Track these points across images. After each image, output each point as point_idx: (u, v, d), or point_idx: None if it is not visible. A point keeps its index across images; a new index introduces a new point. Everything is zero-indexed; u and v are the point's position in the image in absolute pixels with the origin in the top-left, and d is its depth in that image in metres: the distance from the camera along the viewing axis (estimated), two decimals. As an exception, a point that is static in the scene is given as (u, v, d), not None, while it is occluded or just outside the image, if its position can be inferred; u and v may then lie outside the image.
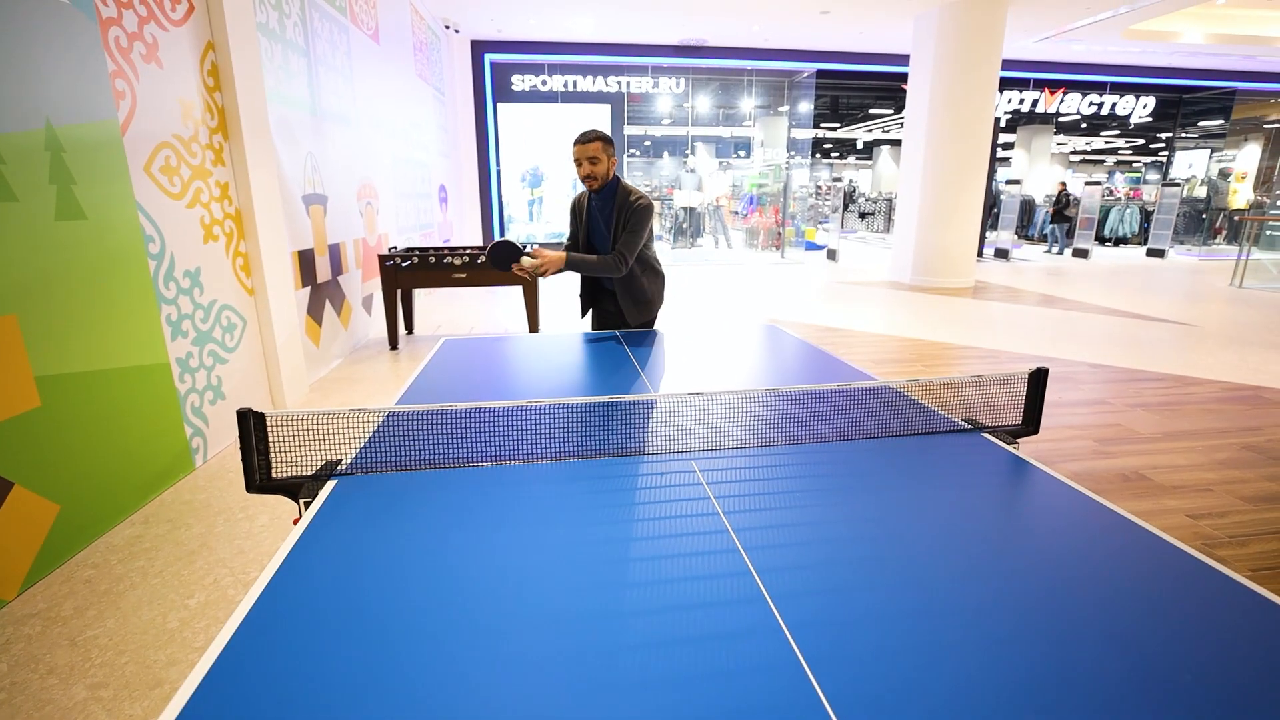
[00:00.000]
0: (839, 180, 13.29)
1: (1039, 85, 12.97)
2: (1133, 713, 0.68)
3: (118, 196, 2.55)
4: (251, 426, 1.19)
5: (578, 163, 2.43)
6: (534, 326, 5.11)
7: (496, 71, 10.47)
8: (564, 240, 2.73)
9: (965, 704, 0.69)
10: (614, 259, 2.46)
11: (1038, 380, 1.47)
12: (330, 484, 1.20)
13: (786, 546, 1.00)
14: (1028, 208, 15.15)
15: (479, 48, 10.19)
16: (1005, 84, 12.44)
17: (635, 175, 15.12)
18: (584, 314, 2.83)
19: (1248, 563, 2.24)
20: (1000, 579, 0.92)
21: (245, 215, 3.44)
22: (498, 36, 10.10)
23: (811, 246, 13.23)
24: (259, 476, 1.21)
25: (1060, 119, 14.61)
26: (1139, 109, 14.11)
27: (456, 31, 9.55)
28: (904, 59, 9.48)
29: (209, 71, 3.20)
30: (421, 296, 7.23)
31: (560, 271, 2.47)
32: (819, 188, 15.88)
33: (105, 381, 2.44)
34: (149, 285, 2.71)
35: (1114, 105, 13.81)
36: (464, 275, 4.95)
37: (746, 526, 1.06)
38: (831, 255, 11.57)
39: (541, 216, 10.91)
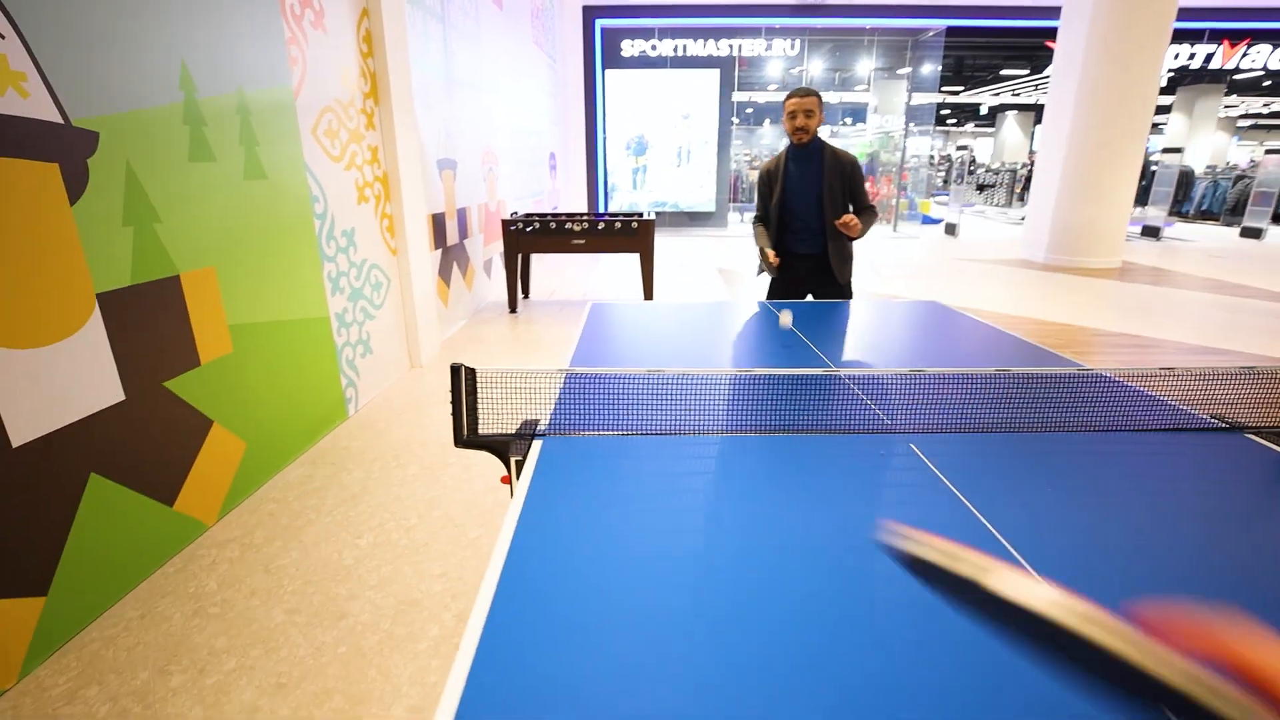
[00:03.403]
0: (965, 148, 12.28)
1: (1216, 37, 11.29)
2: None
3: (291, 158, 2.71)
4: (463, 381, 1.21)
5: (791, 115, 2.51)
6: (649, 294, 5.08)
7: (606, 37, 10.36)
8: (755, 212, 2.83)
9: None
10: (872, 214, 2.60)
11: (1323, 376, 1.24)
12: (536, 444, 1.20)
13: (1047, 534, 0.89)
14: (1186, 180, 13.40)
15: (591, 13, 10.11)
16: (1175, 36, 10.93)
17: (736, 144, 14.68)
18: (775, 273, 2.73)
19: None
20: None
21: (391, 178, 3.58)
22: (610, 0, 9.97)
23: (927, 220, 12.38)
24: (467, 432, 1.23)
25: (1236, 77, 12.71)
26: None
27: (569, -4, 9.51)
28: (1050, 12, 8.51)
29: (364, 38, 3.32)
30: (534, 262, 7.39)
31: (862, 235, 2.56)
32: (933, 158, 14.75)
33: (281, 332, 2.63)
34: (314, 243, 2.88)
35: (1310, 59, 11.82)
36: (583, 241, 4.98)
37: (995, 511, 0.95)
38: (950, 230, 10.77)
39: (645, 185, 10.82)
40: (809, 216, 2.62)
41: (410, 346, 3.87)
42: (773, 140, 15.80)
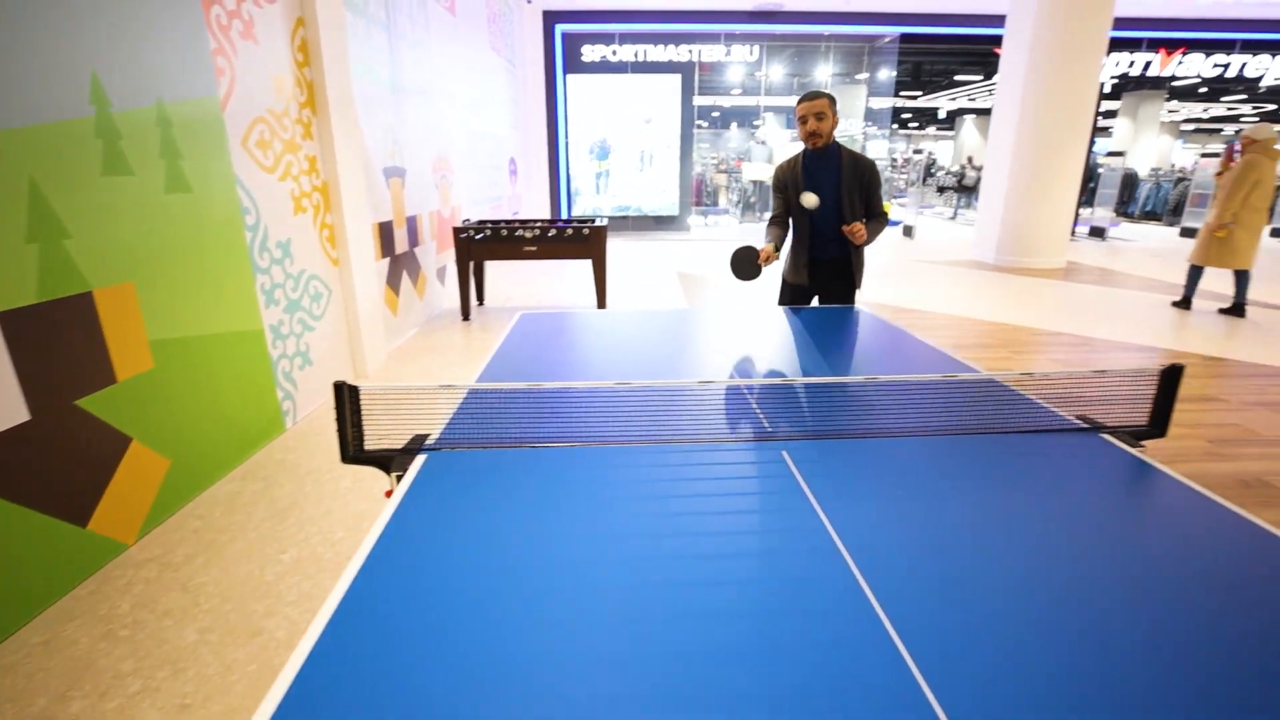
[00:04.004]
0: (919, 152, 12.57)
1: (1154, 46, 11.75)
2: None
3: (219, 170, 2.68)
4: (346, 399, 1.22)
5: (803, 120, 2.47)
6: (602, 301, 5.11)
7: (567, 42, 10.39)
8: (767, 225, 2.74)
9: (1087, 710, 0.63)
10: (883, 220, 2.57)
11: (1170, 378, 1.33)
12: (420, 458, 1.22)
13: (891, 545, 0.94)
14: (1130, 182, 13.90)
15: (550, 18, 10.12)
16: (1114, 45, 11.34)
17: (702, 146, 14.81)
18: (802, 283, 2.73)
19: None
20: (1131, 591, 0.83)
21: (331, 188, 3.56)
22: (569, 6, 10.00)
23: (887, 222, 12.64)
24: (352, 448, 1.25)
25: (1175, 83, 13.24)
26: (1276, 69, 12.57)
27: (529, 1, 9.51)
28: (999, 19, 8.77)
29: (299, 47, 3.29)
30: (490, 269, 7.37)
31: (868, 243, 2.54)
32: (895, 160, 15.08)
33: (208, 346, 2.60)
34: (245, 255, 2.85)
35: (1243, 66, 12.37)
36: (535, 248, 4.99)
37: (845, 522, 1.00)
38: (908, 232, 11.02)
39: (608, 189, 10.85)
40: (828, 222, 2.58)
41: (355, 357, 3.84)
42: (740, 143, 15.97)
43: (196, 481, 2.52)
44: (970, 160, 15.64)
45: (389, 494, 1.23)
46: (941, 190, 17.61)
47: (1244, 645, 0.75)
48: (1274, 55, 12.32)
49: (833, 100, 2.49)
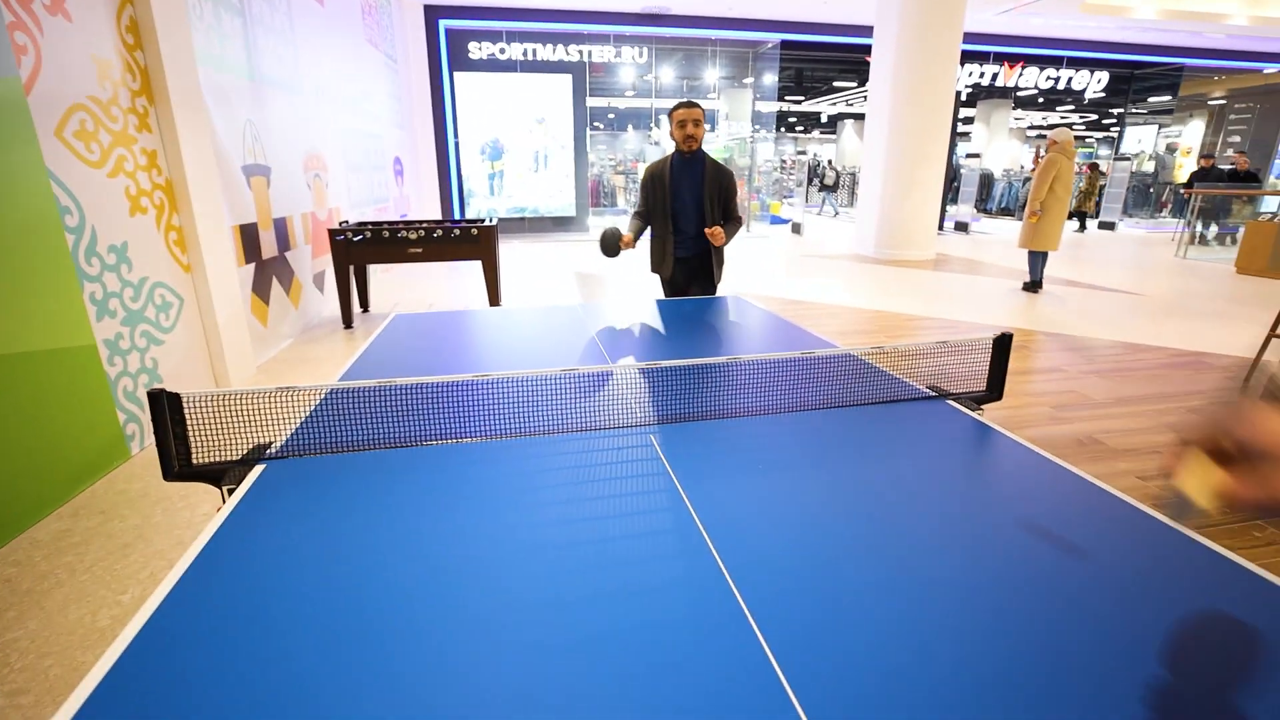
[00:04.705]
0: (803, 154, 13.27)
1: (999, 59, 13.09)
2: (1098, 664, 0.65)
3: (24, 163, 2.33)
4: (166, 409, 1.08)
5: (682, 124, 2.68)
6: (495, 301, 4.97)
7: (452, 38, 10.04)
8: (630, 216, 2.95)
9: (934, 672, 0.65)
10: (738, 224, 2.82)
11: (1001, 346, 1.44)
12: (257, 469, 1.10)
13: (749, 521, 0.95)
14: (987, 181, 15.40)
15: (432, 13, 9.74)
16: (966, 57, 12.51)
17: (600, 148, 14.84)
18: (666, 277, 2.94)
19: (1195, 521, 2.30)
20: (968, 546, 0.88)
21: (177, 186, 3.21)
22: (452, 0, 9.68)
23: (776, 220, 13.23)
24: (177, 463, 1.11)
25: (1019, 93, 14.82)
26: (1093, 84, 14.38)
27: (408, -5, 9.10)
28: (868, 30, 9.42)
29: (127, 28, 2.94)
30: (379, 274, 6.97)
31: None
32: (784, 162, 15.82)
33: (22, 365, 2.25)
34: (68, 260, 2.50)
35: (1070, 80, 14.05)
36: (420, 250, 4.76)
37: (707, 502, 1.00)
38: (796, 229, 11.58)
39: (503, 190, 10.60)
40: (690, 222, 2.81)
41: (216, 372, 3.48)
42: (637, 145, 16.15)
43: (13, 522, 2.17)
44: (829, 162, 17.45)
45: (219, 510, 1.10)
46: (825, 188, 18.73)
47: (1060, 572, 0.82)
48: (1092, 71, 14.10)
49: (704, 110, 2.74)
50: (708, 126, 15.13)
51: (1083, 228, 12.26)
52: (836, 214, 16.02)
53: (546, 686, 0.65)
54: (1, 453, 2.15)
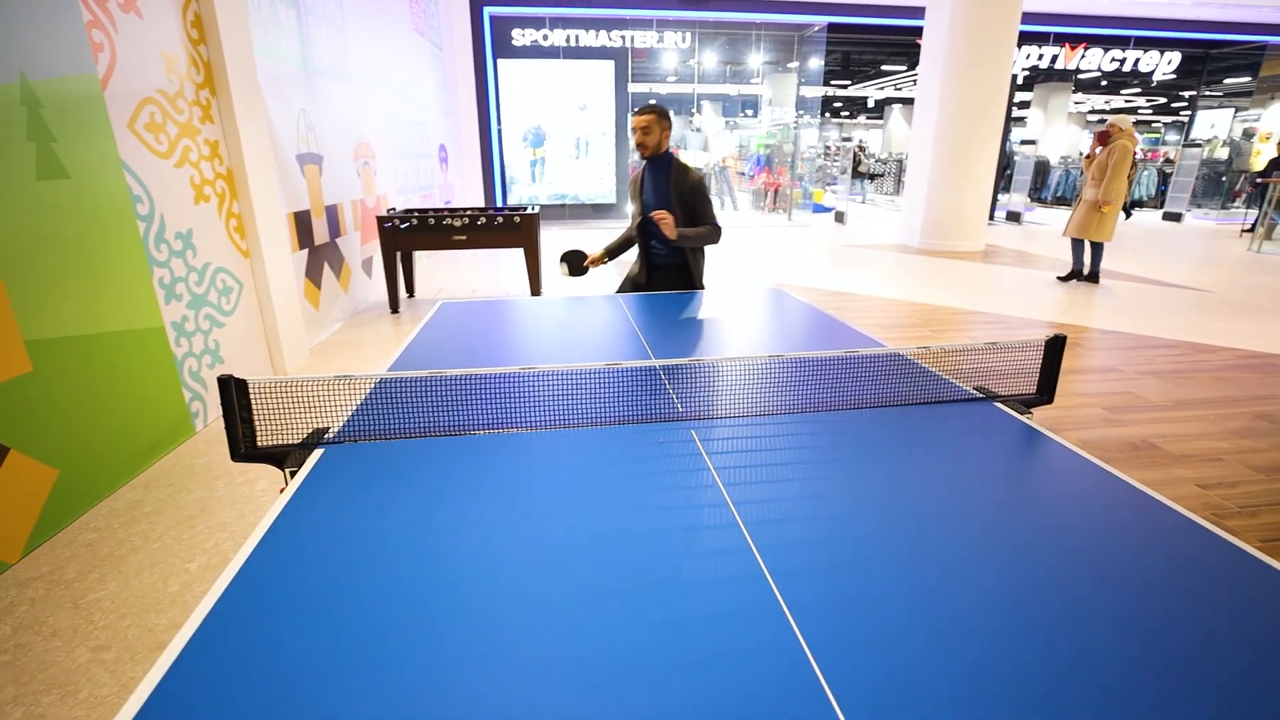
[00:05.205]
0: (849, 140, 12.94)
1: (1059, 40, 12.46)
2: (1141, 683, 0.64)
3: (101, 155, 2.47)
4: (234, 394, 1.15)
5: (633, 130, 2.70)
6: (536, 289, 5.04)
7: (496, 25, 10.11)
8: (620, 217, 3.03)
9: (973, 679, 0.66)
10: (713, 230, 2.74)
11: (1054, 348, 1.41)
12: (317, 453, 1.16)
13: (789, 520, 0.96)
14: (1042, 169, 14.75)
15: (477, 0, 9.82)
16: (1024, 39, 11.96)
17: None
18: (642, 282, 2.95)
19: (1257, 533, 2.21)
20: (1010, 554, 0.88)
21: (237, 175, 3.34)
22: (496, -13, 9.73)
23: (819, 209, 12.97)
24: (244, 445, 1.18)
25: (1080, 76, 14.10)
26: (1163, 65, 13.57)
27: (454, -18, 9.19)
28: (920, 12, 9.09)
29: (192, 23, 3.06)
30: (424, 260, 7.14)
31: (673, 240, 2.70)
32: (828, 148, 15.46)
33: (99, 345, 2.41)
34: (139, 247, 2.64)
35: (1137, 61, 13.29)
36: (464, 237, 4.86)
37: (748, 499, 1.02)
38: (839, 218, 11.34)
39: (544, 177, 10.68)
40: (656, 227, 2.73)
41: (272, 354, 3.64)
42: (677, 131, 16.02)
43: (92, 491, 2.34)
44: (863, 148, 17.03)
45: (282, 491, 1.17)
46: (872, 178, 18.22)
47: (1104, 584, 0.81)
48: (1162, 52, 13.30)
49: (662, 114, 2.68)
50: (749, 113, 14.96)
51: (1128, 215, 11.77)
52: (864, 201, 15.85)
53: (584, 667, 0.68)
54: (84, 426, 2.31)
